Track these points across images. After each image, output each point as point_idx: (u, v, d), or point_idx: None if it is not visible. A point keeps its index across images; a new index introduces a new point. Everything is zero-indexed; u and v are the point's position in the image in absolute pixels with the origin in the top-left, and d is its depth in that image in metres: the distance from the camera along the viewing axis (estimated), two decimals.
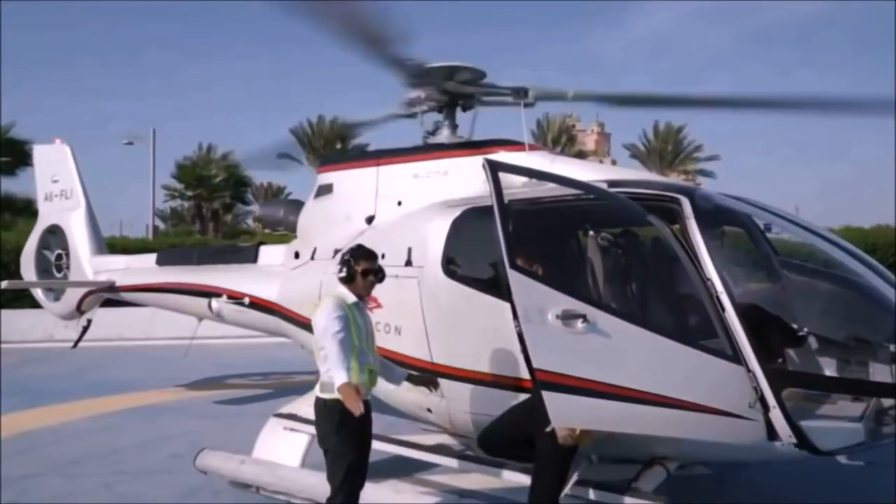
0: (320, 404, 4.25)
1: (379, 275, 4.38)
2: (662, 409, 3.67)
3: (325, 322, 4.19)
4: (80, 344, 11.24)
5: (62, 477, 6.52)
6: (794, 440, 3.89)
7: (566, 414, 3.63)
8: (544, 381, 3.50)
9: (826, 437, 3.93)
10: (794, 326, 4.18)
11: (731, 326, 3.90)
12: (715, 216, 4.40)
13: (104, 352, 15.23)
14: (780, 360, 4.09)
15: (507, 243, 3.64)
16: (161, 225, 43.04)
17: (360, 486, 4.36)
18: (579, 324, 3.58)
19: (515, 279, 3.59)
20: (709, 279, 4.00)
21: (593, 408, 3.60)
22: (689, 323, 4.23)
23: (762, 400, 3.86)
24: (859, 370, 4.14)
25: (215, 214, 35.34)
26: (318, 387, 4.29)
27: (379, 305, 5.54)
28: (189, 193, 35.24)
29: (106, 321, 15.24)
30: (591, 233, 4.49)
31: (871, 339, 4.21)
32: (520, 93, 6.19)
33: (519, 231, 4.44)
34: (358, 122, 8.08)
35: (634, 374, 3.64)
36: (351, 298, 4.32)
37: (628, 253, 4.57)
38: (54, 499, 5.92)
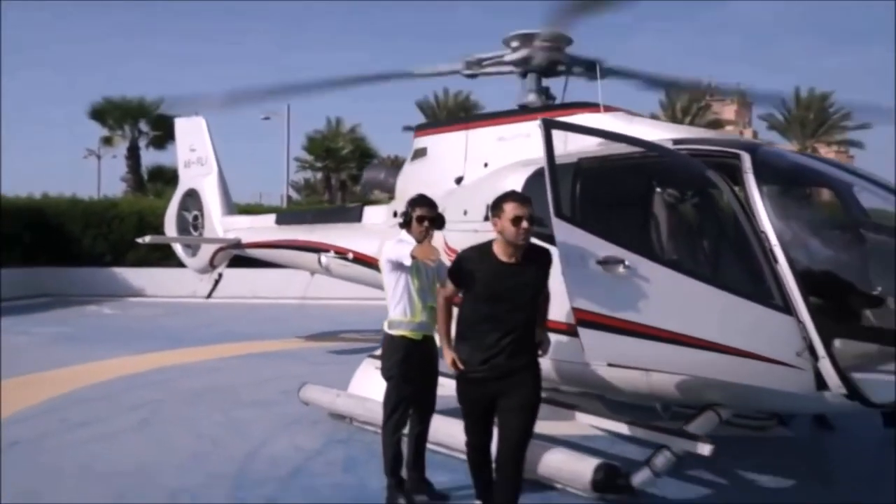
0: (387, 339, 4.69)
1: (435, 222, 4.63)
2: (701, 352, 3.82)
3: (384, 257, 4.58)
4: (219, 301, 12.39)
5: (185, 403, 7.47)
6: (843, 390, 3.92)
7: (602, 351, 3.89)
8: (582, 320, 3.77)
9: (877, 389, 3.94)
10: (849, 281, 4.17)
11: (783, 277, 3.97)
12: (775, 171, 4.43)
13: (239, 308, 16.71)
14: (831, 312, 4.10)
15: (553, 194, 3.90)
16: (295, 195, 45.55)
17: (427, 417, 4.77)
18: (620, 269, 3.81)
19: (559, 226, 3.85)
20: (762, 231, 4.07)
21: (630, 347, 3.83)
22: (736, 272, 4.30)
23: (811, 349, 3.92)
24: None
25: (343, 185, 36.98)
26: (385, 324, 4.73)
27: None
28: (319, 165, 37.05)
29: (240, 281, 16.83)
30: (643, 187, 4.65)
31: None
32: (591, 67, 6.38)
33: (573, 184, 4.70)
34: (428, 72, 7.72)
35: (673, 318, 3.82)
36: (413, 243, 4.63)
37: (679, 205, 4.67)
38: (177, 419, 6.83)
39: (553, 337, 4.32)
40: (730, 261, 4.43)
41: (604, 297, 3.80)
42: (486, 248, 3.93)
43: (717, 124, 61.73)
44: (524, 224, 3.75)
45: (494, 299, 3.83)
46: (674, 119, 43.39)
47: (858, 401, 3.95)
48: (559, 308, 4.42)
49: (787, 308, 3.93)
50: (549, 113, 6.00)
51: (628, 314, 3.81)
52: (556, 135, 5.06)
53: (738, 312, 3.90)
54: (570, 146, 5.36)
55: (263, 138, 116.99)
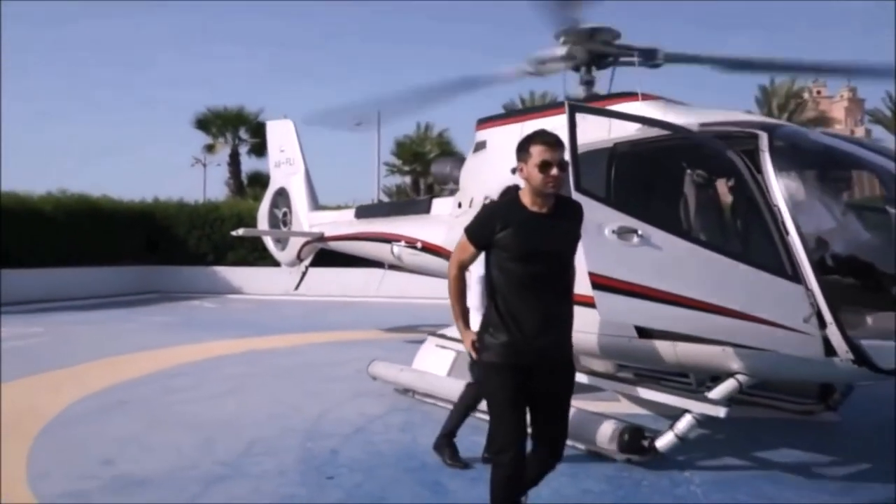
0: None
1: None
2: (709, 315, 4.15)
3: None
4: (309, 298, 13.11)
5: (270, 377, 8.30)
6: (851, 356, 4.14)
7: (613, 310, 4.28)
8: (597, 283, 4.18)
9: (883, 355, 4.14)
10: (857, 255, 4.40)
11: (793, 249, 4.24)
12: (791, 150, 4.67)
13: (327, 304, 17.71)
14: (840, 282, 4.33)
15: (574, 171, 4.31)
16: (386, 200, 46.93)
17: None
18: (633, 238, 4.20)
19: (578, 199, 4.25)
20: (775, 205, 4.36)
21: (641, 308, 4.20)
22: (747, 242, 4.60)
23: (819, 316, 4.17)
24: None
25: (430, 188, 37.90)
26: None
27: None
28: (406, 169, 38.21)
29: (329, 279, 17.88)
30: (664, 166, 5.00)
31: None
32: (648, 54, 6.68)
33: (608, 165, 5.12)
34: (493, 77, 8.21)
35: (682, 283, 4.16)
36: None
37: (696, 182, 4.97)
38: (261, 388, 7.61)
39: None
40: (741, 232, 4.73)
41: (617, 262, 4.20)
42: (513, 197, 3.35)
43: (821, 121, 58.94)
44: (553, 171, 3.15)
45: (532, 257, 3.16)
46: (770, 115, 42.13)
47: (867, 367, 4.16)
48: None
49: (795, 277, 4.20)
50: (592, 103, 6.40)
51: (639, 278, 4.19)
52: (601, 122, 5.53)
53: (747, 279, 4.21)
54: (614, 133, 5.76)
55: (358, 144, 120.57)
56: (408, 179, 41.44)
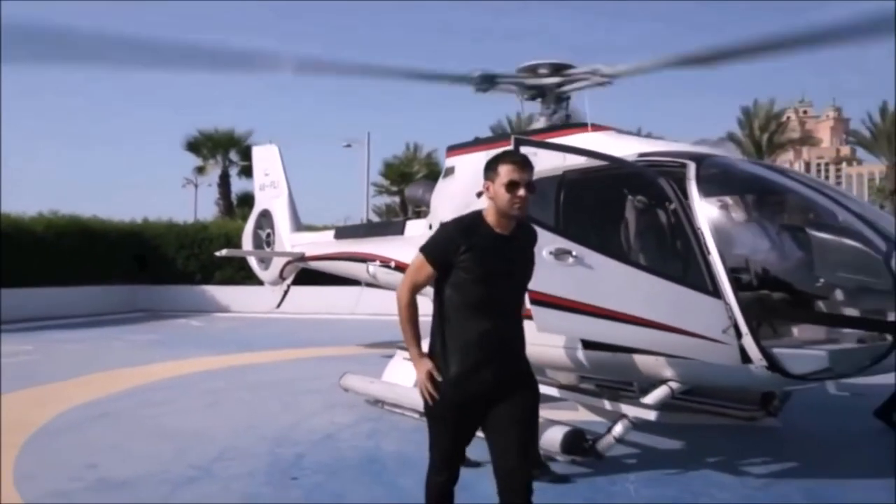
0: None
1: None
2: (638, 328, 4.60)
3: None
4: (293, 316, 13.51)
5: (248, 391, 8.67)
6: (764, 363, 4.59)
7: (549, 324, 4.72)
8: (534, 299, 4.62)
9: (794, 362, 4.59)
10: (776, 273, 4.87)
11: (713, 267, 4.69)
12: (715, 178, 5.15)
13: (312, 322, 18.07)
14: (755, 296, 4.80)
15: None
16: (376, 219, 47.50)
17: None
18: (569, 259, 4.66)
19: None
20: (698, 228, 4.82)
21: (574, 321, 4.66)
22: (672, 261, 5.06)
23: (736, 328, 4.62)
24: (828, 308, 4.76)
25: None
26: None
27: None
28: (394, 189, 38.83)
29: (315, 298, 18.25)
30: (600, 193, 5.48)
31: (839, 284, 4.81)
32: (594, 73, 7.12)
33: (557, 192, 5.56)
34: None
35: (614, 298, 4.62)
36: None
37: (629, 207, 5.41)
38: (239, 401, 7.99)
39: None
40: (668, 252, 5.19)
41: (553, 280, 4.65)
42: (475, 217, 3.21)
43: (806, 141, 59.84)
44: (520, 192, 3.07)
45: (494, 280, 3.11)
46: (752, 136, 42.99)
47: (779, 373, 4.61)
48: None
49: (715, 292, 4.65)
50: (545, 134, 6.88)
51: (573, 295, 4.65)
52: (549, 154, 5.99)
53: (672, 295, 4.66)
54: (568, 161, 6.23)
55: (348, 164, 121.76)
56: (397, 199, 42.05)
